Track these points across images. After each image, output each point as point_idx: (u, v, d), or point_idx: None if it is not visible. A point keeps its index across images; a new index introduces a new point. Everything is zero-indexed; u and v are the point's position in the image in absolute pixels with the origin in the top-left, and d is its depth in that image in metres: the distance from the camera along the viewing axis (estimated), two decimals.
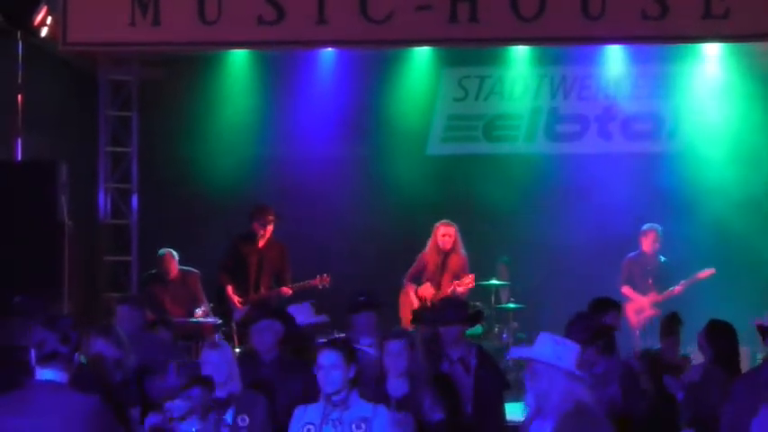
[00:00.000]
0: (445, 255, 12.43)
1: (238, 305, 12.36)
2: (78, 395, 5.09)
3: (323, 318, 9.69)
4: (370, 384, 7.08)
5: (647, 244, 13.01)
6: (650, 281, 12.95)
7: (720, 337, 8.19)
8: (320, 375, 6.49)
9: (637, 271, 13.05)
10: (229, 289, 12.53)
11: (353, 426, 6.38)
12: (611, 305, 8.62)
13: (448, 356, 7.91)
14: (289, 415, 6.80)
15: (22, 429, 4.92)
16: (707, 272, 12.76)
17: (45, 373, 5.06)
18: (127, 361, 7.71)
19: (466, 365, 7.91)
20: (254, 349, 8.14)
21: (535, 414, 5.61)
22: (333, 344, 6.73)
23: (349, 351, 6.59)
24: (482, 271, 12.83)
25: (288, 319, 8.40)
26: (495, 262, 13.55)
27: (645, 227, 13.04)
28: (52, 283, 11.03)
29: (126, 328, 8.91)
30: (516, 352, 6.24)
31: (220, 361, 6.96)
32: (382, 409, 6.51)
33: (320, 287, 12.43)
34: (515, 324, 13.17)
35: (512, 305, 13.27)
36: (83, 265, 13.28)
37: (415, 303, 12.23)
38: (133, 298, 10.49)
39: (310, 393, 6.79)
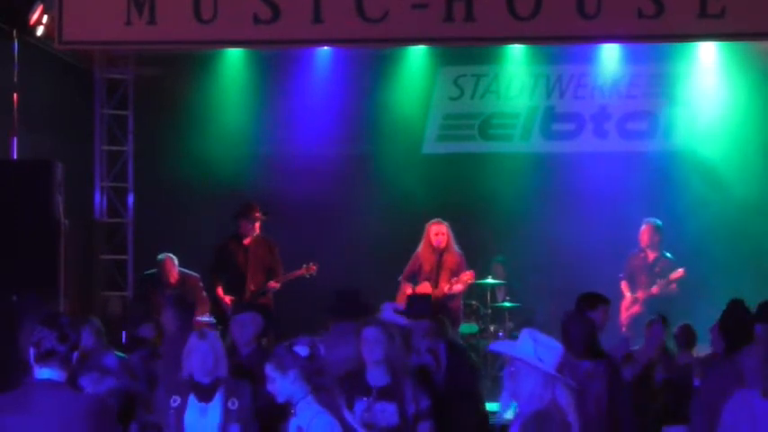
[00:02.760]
0: (440, 254, 12.43)
1: (230, 304, 12.33)
2: (77, 394, 5.09)
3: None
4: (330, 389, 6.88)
5: (643, 239, 13.10)
6: (644, 277, 12.99)
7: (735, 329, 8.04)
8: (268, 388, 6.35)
9: (636, 266, 13.13)
10: (219, 290, 12.52)
11: None
12: (600, 301, 8.59)
13: (417, 349, 7.93)
14: (266, 408, 6.80)
15: (21, 428, 4.92)
16: (678, 272, 12.80)
17: (43, 372, 5.05)
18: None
19: (436, 359, 7.94)
20: (232, 343, 8.15)
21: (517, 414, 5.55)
22: (270, 358, 6.38)
23: (286, 358, 6.31)
24: (478, 270, 12.83)
25: (269, 315, 8.43)
26: (490, 261, 13.57)
27: (643, 222, 13.12)
28: (48, 281, 10.99)
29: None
30: (498, 347, 6.13)
31: (207, 349, 6.99)
32: (321, 416, 6.37)
33: (307, 276, 12.47)
34: (511, 323, 13.19)
35: (507, 304, 13.29)
36: (79, 263, 13.29)
37: None
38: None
39: None
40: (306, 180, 13.93)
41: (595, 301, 8.47)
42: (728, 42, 13.17)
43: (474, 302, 13.25)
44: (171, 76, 14.23)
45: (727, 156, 13.62)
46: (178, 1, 12.20)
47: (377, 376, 7.06)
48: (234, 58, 14.22)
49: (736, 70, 13.73)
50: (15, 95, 12.35)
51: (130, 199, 14.55)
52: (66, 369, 5.07)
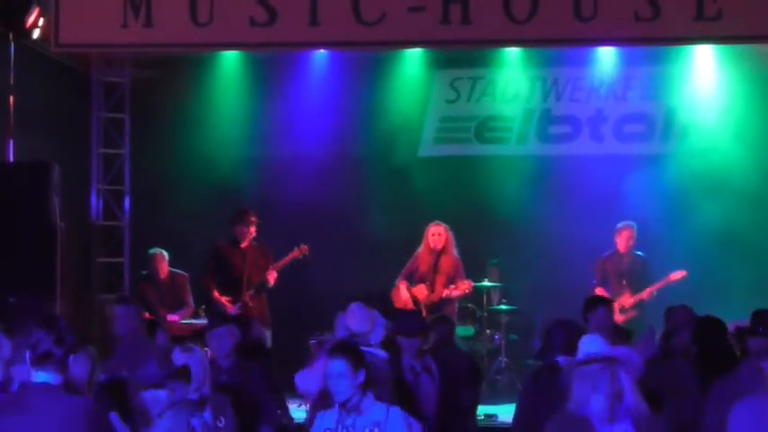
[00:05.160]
0: (437, 255, 12.43)
1: (228, 306, 12.31)
2: (73, 398, 5.09)
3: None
4: (384, 386, 6.87)
5: (621, 242, 12.77)
6: (625, 281, 12.68)
7: (708, 335, 8.02)
8: (329, 384, 6.39)
9: (610, 270, 12.82)
10: (215, 292, 12.49)
11: (367, 430, 6.32)
12: (601, 302, 8.57)
13: (412, 368, 7.83)
14: (253, 416, 6.79)
15: (20, 428, 4.92)
16: (679, 274, 12.44)
17: (39, 375, 5.05)
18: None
19: (430, 374, 7.88)
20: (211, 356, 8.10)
21: (606, 418, 5.39)
22: (339, 351, 6.48)
23: (356, 356, 6.43)
24: (474, 273, 12.84)
25: (245, 324, 8.43)
26: (486, 264, 13.56)
27: (619, 224, 12.84)
28: (44, 284, 11.00)
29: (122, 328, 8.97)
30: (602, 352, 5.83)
31: (193, 363, 6.76)
32: (396, 411, 6.41)
33: (300, 257, 12.45)
34: (506, 318, 13.21)
35: (503, 306, 13.29)
36: (75, 266, 13.26)
37: (406, 298, 12.24)
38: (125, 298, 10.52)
39: (271, 392, 6.68)
40: (302, 183, 13.93)
41: (596, 303, 8.45)
42: (725, 45, 13.17)
43: (470, 305, 13.25)
44: (167, 79, 14.23)
45: (724, 158, 13.61)
46: (174, 4, 12.18)
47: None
48: (230, 61, 14.22)
49: (733, 73, 13.73)
50: (12, 98, 12.34)
51: (127, 202, 14.54)
52: (62, 372, 5.08)
